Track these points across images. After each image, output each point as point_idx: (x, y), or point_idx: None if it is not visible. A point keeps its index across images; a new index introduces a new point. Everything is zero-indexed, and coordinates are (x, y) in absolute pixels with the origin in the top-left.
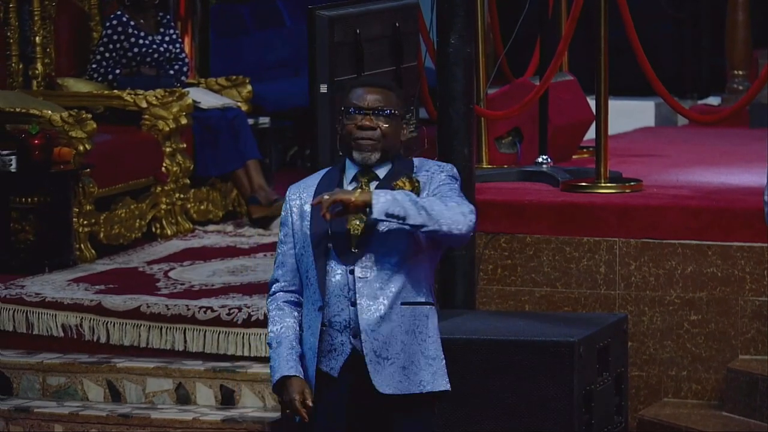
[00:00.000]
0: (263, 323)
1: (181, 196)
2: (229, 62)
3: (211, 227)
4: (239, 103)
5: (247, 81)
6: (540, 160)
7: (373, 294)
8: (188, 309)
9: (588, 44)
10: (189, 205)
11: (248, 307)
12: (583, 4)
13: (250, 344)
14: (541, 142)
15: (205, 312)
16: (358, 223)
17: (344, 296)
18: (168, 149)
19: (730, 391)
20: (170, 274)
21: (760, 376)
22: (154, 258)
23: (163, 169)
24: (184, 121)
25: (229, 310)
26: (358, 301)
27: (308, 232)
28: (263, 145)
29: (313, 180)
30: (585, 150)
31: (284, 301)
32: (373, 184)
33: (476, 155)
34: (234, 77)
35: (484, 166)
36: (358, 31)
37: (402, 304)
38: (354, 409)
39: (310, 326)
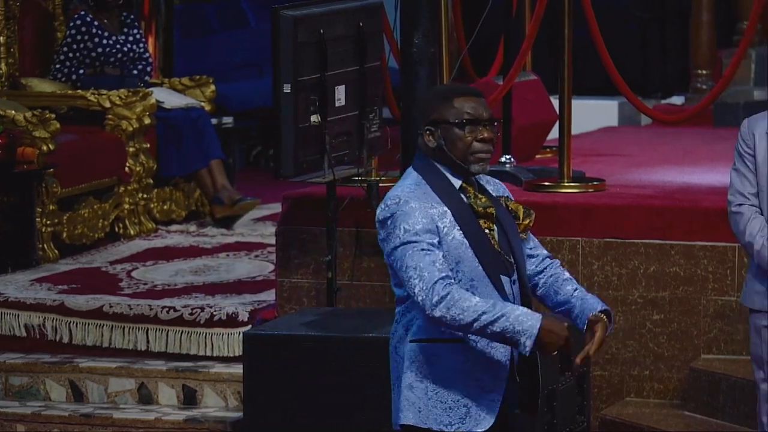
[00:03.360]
0: (226, 323)
1: (145, 196)
2: (193, 62)
3: (174, 227)
4: (203, 103)
5: (211, 81)
6: (503, 159)
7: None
8: (151, 309)
9: (552, 44)
10: (152, 205)
11: (211, 307)
12: (547, 4)
13: (212, 344)
14: (505, 142)
15: (167, 312)
16: (488, 231)
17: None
18: (131, 149)
19: (692, 391)
20: (133, 274)
21: (723, 375)
22: (117, 258)
23: (127, 169)
24: (147, 121)
25: (192, 309)
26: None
27: (466, 243)
28: (227, 145)
29: (424, 189)
30: (548, 149)
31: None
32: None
33: None
34: (198, 77)
35: None
36: (321, 30)
37: None
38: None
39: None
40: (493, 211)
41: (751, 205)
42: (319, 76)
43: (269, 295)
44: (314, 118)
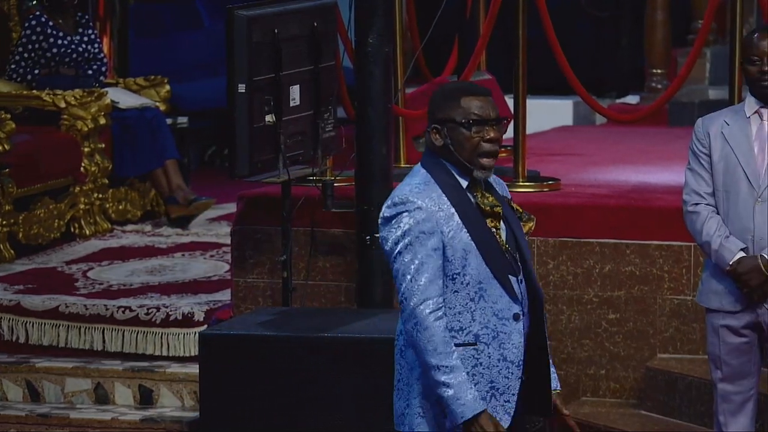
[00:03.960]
0: (182, 323)
1: (100, 196)
2: (148, 62)
3: (129, 227)
4: (157, 103)
5: (166, 81)
6: None
7: (527, 304)
8: (107, 309)
9: (506, 43)
10: (107, 205)
11: (166, 307)
12: (501, 3)
13: (168, 344)
14: None
15: (123, 312)
16: (495, 231)
17: (520, 304)
18: (87, 149)
19: (648, 390)
20: (89, 274)
21: (679, 374)
22: (73, 258)
23: (82, 169)
24: (102, 121)
25: (148, 309)
26: (525, 311)
27: (472, 244)
28: (181, 145)
29: (432, 189)
30: (503, 149)
31: (440, 317)
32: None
33: (394, 154)
34: (152, 77)
35: (402, 165)
36: (276, 30)
37: None
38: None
39: (498, 336)
40: (500, 210)
41: (707, 205)
42: (274, 76)
43: (225, 295)
44: (269, 118)
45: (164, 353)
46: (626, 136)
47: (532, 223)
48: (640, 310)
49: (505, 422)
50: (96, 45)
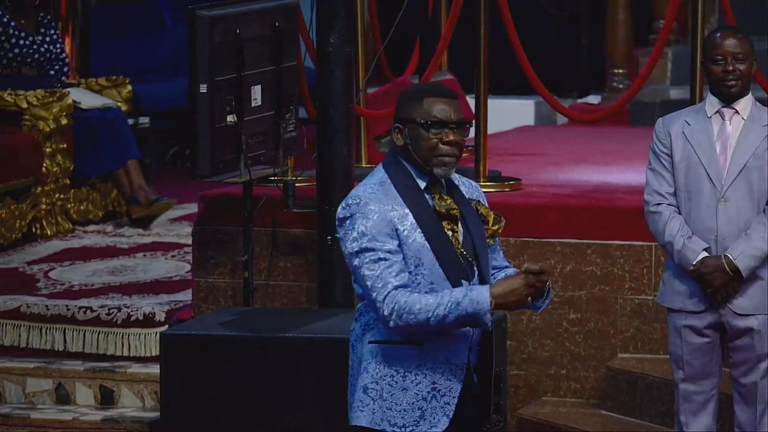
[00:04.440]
0: (143, 323)
1: (61, 196)
2: (110, 62)
3: (91, 227)
4: (119, 104)
5: (128, 81)
6: None
7: None
8: (68, 309)
9: (468, 43)
10: (69, 206)
11: (128, 307)
12: (462, 3)
13: (129, 344)
14: None
15: (84, 312)
16: (451, 234)
17: None
18: (48, 149)
19: (609, 390)
20: (50, 274)
21: (639, 374)
22: (35, 258)
23: (44, 169)
24: (64, 121)
25: (109, 310)
26: None
27: (426, 245)
28: (143, 145)
29: (387, 189)
30: (465, 149)
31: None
32: (444, 193)
33: (356, 154)
34: (114, 77)
35: (364, 166)
36: (238, 31)
37: None
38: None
39: (444, 338)
40: (457, 213)
41: (669, 205)
42: (236, 76)
43: (186, 295)
44: (230, 118)
45: (125, 353)
46: (587, 136)
47: (498, 226)
48: (601, 310)
49: (443, 424)
50: (58, 45)
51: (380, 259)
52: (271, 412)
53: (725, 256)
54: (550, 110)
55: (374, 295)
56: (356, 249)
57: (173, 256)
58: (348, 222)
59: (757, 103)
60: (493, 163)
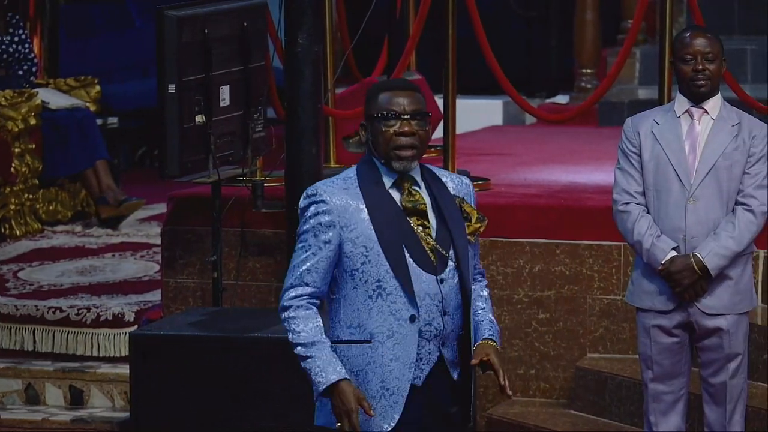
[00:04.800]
0: (112, 323)
1: (30, 196)
2: (79, 63)
3: (59, 227)
4: (88, 104)
5: (96, 81)
6: None
7: (458, 304)
8: (37, 309)
9: (436, 43)
10: (38, 206)
11: (97, 308)
12: (431, 3)
13: (98, 344)
14: None
15: (54, 312)
16: (422, 229)
17: (435, 305)
18: (17, 150)
19: (578, 390)
20: (19, 274)
21: (608, 374)
22: (3, 258)
23: (12, 169)
24: (33, 121)
25: (78, 310)
26: (447, 311)
27: (375, 240)
28: (112, 145)
29: (350, 184)
30: (433, 149)
31: (310, 303)
32: (416, 188)
33: (324, 154)
34: (83, 78)
35: (332, 166)
36: (206, 31)
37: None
38: (432, 419)
39: (393, 335)
40: (425, 208)
41: (638, 204)
42: (204, 77)
43: (155, 296)
44: (199, 119)
45: (95, 354)
46: (556, 135)
47: (480, 224)
48: (570, 309)
49: (392, 422)
50: (26, 45)
51: (306, 250)
52: (239, 411)
53: (694, 255)
54: (519, 110)
55: (286, 281)
56: (298, 233)
57: (142, 257)
58: (302, 212)
59: (726, 103)
60: (462, 163)
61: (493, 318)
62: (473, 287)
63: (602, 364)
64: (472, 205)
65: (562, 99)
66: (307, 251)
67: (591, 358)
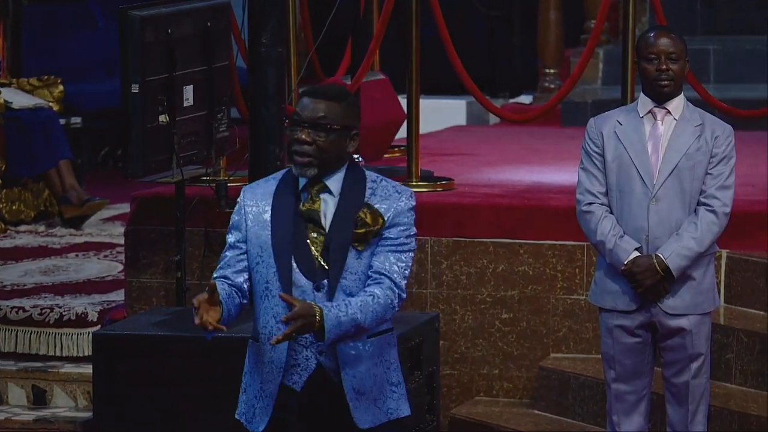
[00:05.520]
0: (75, 323)
1: None
2: (42, 62)
3: (22, 227)
4: (51, 104)
5: (59, 81)
6: None
7: None
8: (0, 309)
9: (399, 43)
10: (1, 206)
11: (60, 307)
12: (394, 3)
13: (62, 344)
14: None
15: (17, 312)
16: (315, 236)
17: None
18: None
19: (541, 390)
20: None
21: (572, 374)
22: None
23: None
24: None
25: (41, 310)
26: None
27: (269, 243)
28: (75, 145)
29: (269, 186)
30: (396, 149)
31: (220, 278)
32: (325, 195)
33: (287, 155)
34: (46, 77)
35: None
36: (169, 30)
37: (368, 337)
38: (318, 427)
39: (270, 338)
40: (317, 216)
41: (601, 204)
42: (167, 76)
43: (119, 295)
44: (162, 118)
45: (58, 353)
46: (519, 136)
47: (365, 229)
48: (534, 309)
49: (260, 425)
50: None
51: (228, 246)
52: (204, 411)
53: (656, 255)
54: (482, 110)
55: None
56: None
57: (105, 256)
58: None
59: (689, 104)
60: (425, 163)
61: (355, 308)
62: (367, 288)
63: (565, 364)
64: (400, 216)
65: (525, 99)
66: (228, 247)
67: (554, 357)
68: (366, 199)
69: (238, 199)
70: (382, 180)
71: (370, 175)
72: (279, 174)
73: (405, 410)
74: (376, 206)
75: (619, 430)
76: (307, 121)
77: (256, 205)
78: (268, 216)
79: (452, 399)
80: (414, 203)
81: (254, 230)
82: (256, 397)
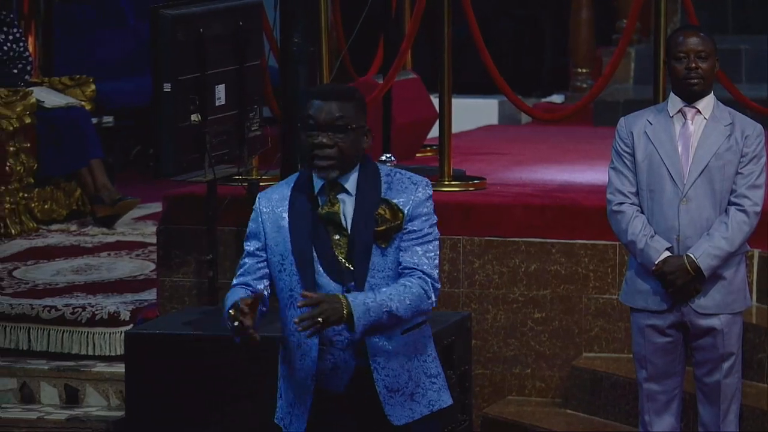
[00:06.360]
0: (107, 322)
1: (25, 195)
2: (74, 61)
3: (55, 226)
4: (83, 103)
5: (91, 80)
6: (383, 158)
7: None
8: (32, 308)
9: (431, 42)
10: (33, 205)
11: (92, 306)
12: (426, 3)
13: (94, 343)
14: (385, 141)
15: (49, 311)
16: (338, 238)
17: None
18: (12, 148)
19: (573, 389)
20: (14, 273)
21: (604, 373)
22: None
23: (7, 168)
24: (28, 120)
25: (73, 309)
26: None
27: (290, 250)
28: (107, 144)
29: (284, 190)
30: (429, 148)
31: (242, 285)
32: (342, 196)
33: None
34: (77, 76)
35: None
36: (201, 29)
37: (402, 333)
38: (357, 427)
39: (300, 346)
40: (338, 219)
41: (632, 204)
42: (199, 75)
43: (151, 295)
44: (194, 117)
45: (90, 353)
46: (551, 135)
47: (385, 226)
48: (566, 309)
49: (300, 429)
50: (21, 44)
51: (245, 254)
52: (235, 411)
53: (687, 255)
54: (514, 109)
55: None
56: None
57: (138, 256)
58: None
59: (719, 103)
60: (457, 163)
61: (383, 296)
62: (399, 281)
63: (597, 363)
64: (419, 207)
65: (557, 98)
66: (245, 255)
67: (586, 357)
68: (382, 193)
69: (255, 207)
70: (396, 173)
71: (383, 168)
72: (292, 178)
73: (447, 400)
74: (393, 201)
75: (651, 430)
76: (326, 123)
77: (272, 211)
78: (285, 222)
79: (484, 398)
80: (431, 192)
81: (273, 238)
82: (291, 404)
